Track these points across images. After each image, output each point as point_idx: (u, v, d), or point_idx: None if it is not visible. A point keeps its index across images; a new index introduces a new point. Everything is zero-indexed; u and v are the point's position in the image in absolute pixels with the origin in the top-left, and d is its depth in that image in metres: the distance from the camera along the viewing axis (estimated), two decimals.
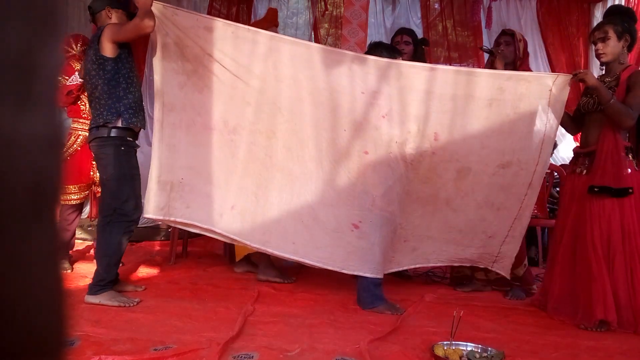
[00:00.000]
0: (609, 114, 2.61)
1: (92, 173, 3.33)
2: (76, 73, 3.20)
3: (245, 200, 2.82)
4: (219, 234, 2.87)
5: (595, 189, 2.63)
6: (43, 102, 0.29)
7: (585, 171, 2.74)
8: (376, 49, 2.95)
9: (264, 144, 2.79)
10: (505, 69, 3.11)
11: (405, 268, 3.09)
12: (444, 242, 2.96)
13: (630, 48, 2.75)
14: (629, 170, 2.61)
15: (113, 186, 2.64)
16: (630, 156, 2.65)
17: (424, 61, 3.59)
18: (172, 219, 2.87)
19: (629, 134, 2.75)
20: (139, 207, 2.71)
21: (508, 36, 3.26)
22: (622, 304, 2.51)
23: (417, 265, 3.13)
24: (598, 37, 2.72)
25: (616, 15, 2.79)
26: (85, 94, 3.21)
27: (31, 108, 0.28)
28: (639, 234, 2.58)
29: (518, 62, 3.22)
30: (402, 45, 3.41)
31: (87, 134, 3.17)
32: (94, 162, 3.23)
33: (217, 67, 2.73)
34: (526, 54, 3.30)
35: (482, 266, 3.07)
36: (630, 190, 2.58)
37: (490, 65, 3.21)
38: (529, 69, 3.25)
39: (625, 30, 2.69)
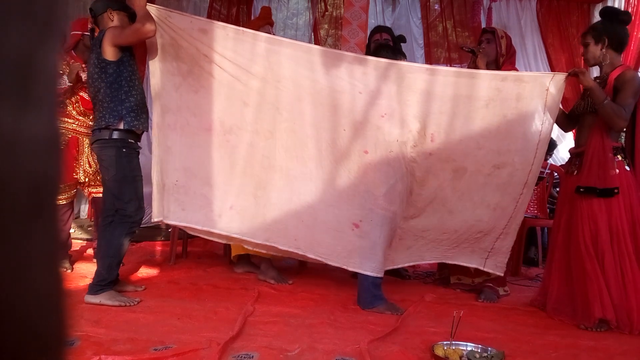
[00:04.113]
0: (603, 114, 2.60)
1: (74, 174, 3.31)
2: (64, 76, 3.16)
3: (244, 200, 2.82)
4: (218, 234, 2.88)
5: (581, 189, 2.64)
6: (43, 104, 0.30)
7: (576, 171, 2.76)
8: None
9: (262, 145, 2.79)
10: (488, 67, 3.07)
11: (399, 266, 3.08)
12: (438, 242, 2.96)
13: (617, 49, 2.71)
14: (617, 171, 2.60)
15: (115, 187, 2.65)
16: (619, 157, 2.64)
17: (404, 58, 3.60)
18: (169, 222, 2.89)
19: (625, 135, 2.74)
20: (141, 209, 2.72)
21: (489, 34, 3.22)
22: (615, 304, 2.51)
23: (412, 263, 3.11)
24: (583, 43, 2.77)
25: (602, 17, 2.77)
26: (71, 99, 3.22)
27: (31, 109, 0.29)
28: (629, 234, 2.58)
29: (501, 59, 3.15)
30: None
31: (71, 133, 3.21)
32: (77, 161, 3.25)
33: (213, 67, 2.72)
34: (511, 51, 3.21)
35: (474, 266, 2.99)
36: (616, 191, 2.58)
37: (473, 65, 3.16)
38: (514, 68, 3.18)
39: (602, 31, 2.68)
